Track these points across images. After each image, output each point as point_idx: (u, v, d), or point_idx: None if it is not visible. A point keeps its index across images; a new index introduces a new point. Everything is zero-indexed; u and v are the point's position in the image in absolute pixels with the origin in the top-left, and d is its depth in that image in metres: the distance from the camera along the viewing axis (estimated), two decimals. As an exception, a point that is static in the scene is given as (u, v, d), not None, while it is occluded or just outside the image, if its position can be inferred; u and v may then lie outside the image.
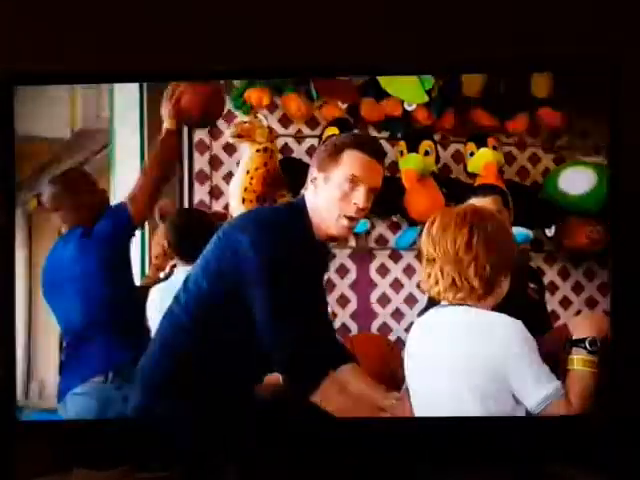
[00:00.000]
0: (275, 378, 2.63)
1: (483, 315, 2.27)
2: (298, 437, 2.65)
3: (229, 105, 3.40)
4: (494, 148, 3.50)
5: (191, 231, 3.01)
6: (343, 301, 3.52)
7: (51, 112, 3.34)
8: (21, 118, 3.26)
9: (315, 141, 3.47)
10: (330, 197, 2.47)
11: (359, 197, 2.46)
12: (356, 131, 3.40)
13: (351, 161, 2.47)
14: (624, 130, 2.56)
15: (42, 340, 3.43)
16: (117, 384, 2.93)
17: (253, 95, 3.36)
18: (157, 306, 2.92)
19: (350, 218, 2.48)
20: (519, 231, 3.26)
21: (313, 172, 2.52)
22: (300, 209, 2.51)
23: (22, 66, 2.76)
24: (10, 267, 2.83)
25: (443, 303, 2.32)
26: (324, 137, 3.39)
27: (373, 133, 3.55)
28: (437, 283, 2.30)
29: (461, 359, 2.25)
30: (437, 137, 3.55)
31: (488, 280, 2.27)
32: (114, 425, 2.84)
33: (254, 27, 2.79)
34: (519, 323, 2.23)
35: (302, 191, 2.58)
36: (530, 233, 3.48)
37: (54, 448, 2.72)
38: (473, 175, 3.51)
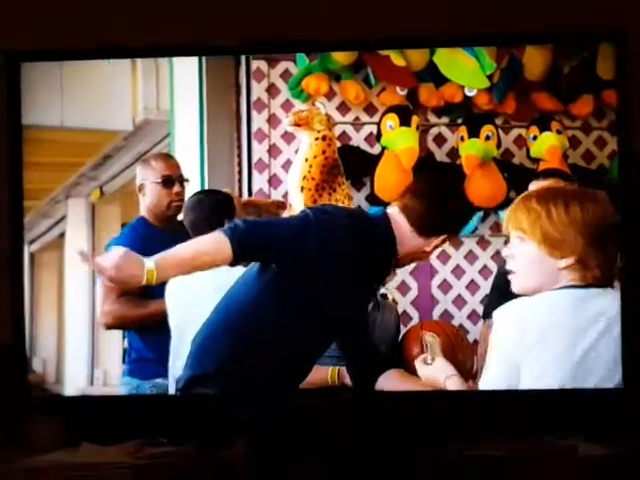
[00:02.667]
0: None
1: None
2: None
3: (287, 94, 3.40)
4: (558, 132, 3.43)
5: (205, 213, 2.96)
6: (404, 288, 3.49)
7: (113, 104, 3.38)
8: (82, 110, 3.31)
9: (374, 128, 3.44)
10: None
11: None
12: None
13: None
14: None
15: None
16: None
17: (311, 83, 3.35)
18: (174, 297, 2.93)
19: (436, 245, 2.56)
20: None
21: None
22: (386, 225, 2.53)
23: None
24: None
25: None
26: (382, 124, 3.37)
27: (432, 119, 3.51)
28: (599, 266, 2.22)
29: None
30: (498, 122, 3.49)
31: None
32: (123, 401, 2.87)
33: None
34: None
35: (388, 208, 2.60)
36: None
37: (62, 423, 2.75)
38: (536, 160, 3.44)
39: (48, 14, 2.87)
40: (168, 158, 3.20)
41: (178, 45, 2.78)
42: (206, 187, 3.33)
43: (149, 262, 2.24)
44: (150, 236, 3.06)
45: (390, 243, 2.50)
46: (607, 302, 2.19)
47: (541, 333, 2.15)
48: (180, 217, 3.06)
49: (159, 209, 3.10)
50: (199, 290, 2.71)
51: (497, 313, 2.21)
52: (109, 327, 3.09)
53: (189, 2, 2.84)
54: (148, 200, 3.11)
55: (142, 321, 2.99)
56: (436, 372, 2.48)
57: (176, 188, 3.09)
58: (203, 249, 2.33)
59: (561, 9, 2.72)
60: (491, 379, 2.20)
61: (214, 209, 2.93)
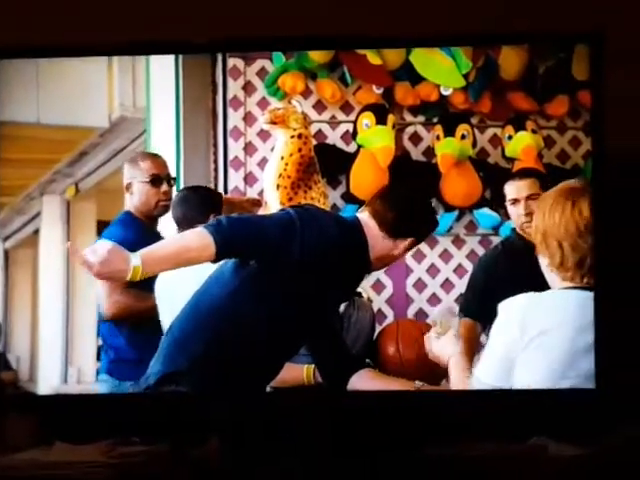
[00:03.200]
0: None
1: None
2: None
3: (263, 92, 3.41)
4: (533, 131, 3.45)
5: (193, 210, 2.95)
6: (379, 287, 3.50)
7: (89, 101, 3.37)
8: (58, 107, 3.30)
9: (350, 126, 3.45)
10: None
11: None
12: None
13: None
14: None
15: (79, 327, 3.46)
16: None
17: (287, 81, 3.35)
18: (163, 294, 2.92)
19: (406, 249, 2.57)
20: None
21: None
22: (356, 227, 2.54)
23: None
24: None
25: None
26: (358, 122, 3.38)
27: (408, 117, 3.52)
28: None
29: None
30: (474, 121, 3.50)
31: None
32: (96, 400, 2.86)
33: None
34: None
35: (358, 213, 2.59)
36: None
37: (36, 422, 2.74)
38: (511, 159, 3.46)
39: (25, 11, 2.86)
40: (156, 157, 3.18)
41: (154, 43, 2.77)
42: (182, 184, 3.32)
43: (135, 258, 2.24)
44: (139, 229, 3.05)
45: (363, 247, 2.52)
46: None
47: (541, 332, 2.15)
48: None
49: (146, 208, 3.09)
50: (186, 286, 2.71)
51: (501, 307, 2.21)
52: (114, 318, 3.06)
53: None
54: (136, 199, 3.10)
55: (147, 313, 2.98)
56: (443, 348, 2.49)
57: (164, 187, 3.08)
58: (187, 245, 2.32)
59: (537, 10, 2.73)
60: (485, 371, 2.21)
61: (201, 205, 2.93)
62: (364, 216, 2.55)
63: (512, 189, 3.02)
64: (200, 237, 2.31)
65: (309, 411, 2.64)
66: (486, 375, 2.20)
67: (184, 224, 2.90)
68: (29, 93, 3.19)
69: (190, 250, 2.32)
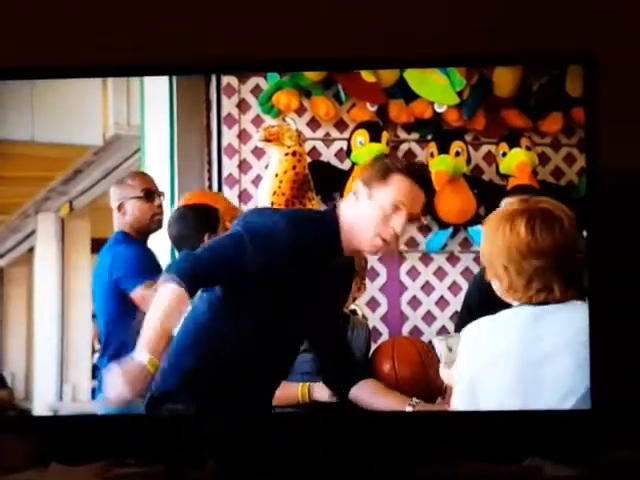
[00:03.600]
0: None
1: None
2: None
3: (257, 110, 3.41)
4: (527, 148, 3.45)
5: (189, 227, 2.96)
6: (373, 304, 3.50)
7: (83, 120, 3.37)
8: (53, 125, 3.30)
9: (344, 144, 3.46)
10: (371, 215, 2.44)
11: (398, 223, 2.43)
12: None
13: (399, 186, 2.44)
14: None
15: (74, 345, 3.46)
16: None
17: (281, 99, 3.36)
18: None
19: (384, 240, 2.45)
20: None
21: (358, 185, 2.49)
22: (331, 219, 2.50)
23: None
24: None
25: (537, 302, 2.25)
26: (353, 140, 3.39)
27: (402, 135, 3.53)
28: (548, 284, 2.23)
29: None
30: (468, 138, 3.51)
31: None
32: (92, 420, 2.86)
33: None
34: None
35: (338, 201, 2.57)
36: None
37: (31, 443, 2.73)
38: (506, 176, 3.47)
39: (18, 33, 2.87)
40: (143, 174, 3.22)
41: (147, 65, 2.78)
42: (176, 202, 3.32)
43: (143, 357, 2.27)
44: (137, 247, 3.09)
45: (333, 235, 2.49)
46: (559, 321, 2.22)
47: (495, 353, 2.15)
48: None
49: (142, 223, 3.11)
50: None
51: (462, 333, 2.23)
52: None
53: (157, 20, 2.84)
54: (129, 217, 3.11)
55: None
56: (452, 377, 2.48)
57: (157, 201, 3.11)
58: (169, 311, 2.32)
59: (530, 29, 2.75)
60: (454, 398, 2.21)
61: (197, 224, 2.94)
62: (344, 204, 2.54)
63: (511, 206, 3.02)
64: (173, 294, 2.30)
65: (305, 430, 2.64)
66: (458, 403, 2.21)
67: (180, 243, 2.93)
68: (24, 111, 3.19)
69: (173, 312, 2.33)
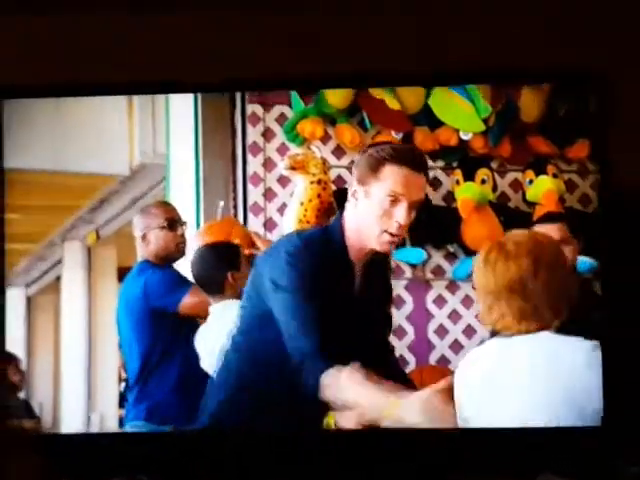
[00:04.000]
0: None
1: (564, 342, 2.23)
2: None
3: (282, 138, 3.42)
4: (554, 176, 3.43)
5: (211, 267, 3.01)
6: (400, 333, 3.48)
7: (109, 149, 3.39)
8: (79, 154, 3.32)
9: (369, 172, 3.45)
10: (371, 213, 2.46)
11: (400, 214, 2.44)
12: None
13: (391, 176, 2.44)
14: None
15: (102, 373, 3.46)
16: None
17: (306, 127, 3.36)
18: (203, 348, 2.96)
19: (392, 234, 2.46)
20: (582, 260, 3.19)
21: (353, 185, 2.50)
22: (336, 229, 2.51)
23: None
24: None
25: (506, 333, 2.27)
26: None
27: (428, 162, 3.51)
28: (504, 316, 2.26)
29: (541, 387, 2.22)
30: (494, 165, 3.49)
31: (557, 308, 2.24)
32: (104, 438, 2.86)
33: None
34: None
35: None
36: (594, 262, 3.40)
37: (44, 462, 2.74)
38: (532, 204, 3.44)
39: (42, 52, 2.92)
40: (166, 204, 3.26)
41: (171, 82, 2.82)
42: (202, 230, 3.33)
43: None
44: (165, 270, 3.14)
45: (338, 243, 2.50)
46: (528, 348, 2.23)
47: (479, 382, 2.25)
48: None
49: (166, 252, 3.16)
50: (215, 338, 2.77)
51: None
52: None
53: (181, 40, 2.88)
54: (153, 246, 3.15)
55: None
56: None
57: (180, 230, 3.14)
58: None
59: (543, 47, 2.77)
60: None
61: (219, 263, 2.96)
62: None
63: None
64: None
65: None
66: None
67: (204, 282, 3.02)
68: (50, 141, 3.22)
69: None
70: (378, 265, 2.60)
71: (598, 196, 2.60)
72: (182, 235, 3.16)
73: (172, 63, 2.89)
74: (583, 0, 2.83)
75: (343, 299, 2.48)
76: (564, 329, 2.26)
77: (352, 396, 2.34)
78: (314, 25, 2.90)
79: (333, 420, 2.69)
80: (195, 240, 3.09)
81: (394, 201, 2.44)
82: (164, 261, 3.15)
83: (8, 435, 2.86)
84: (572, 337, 2.24)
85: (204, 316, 3.03)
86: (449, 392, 2.28)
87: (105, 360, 3.52)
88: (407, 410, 2.27)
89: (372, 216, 2.45)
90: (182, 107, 3.31)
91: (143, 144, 3.42)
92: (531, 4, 2.86)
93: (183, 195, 3.34)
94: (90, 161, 3.36)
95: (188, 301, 3.03)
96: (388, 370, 2.54)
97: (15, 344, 3.33)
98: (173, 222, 3.15)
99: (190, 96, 3.31)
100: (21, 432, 2.98)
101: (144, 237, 3.15)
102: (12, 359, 3.21)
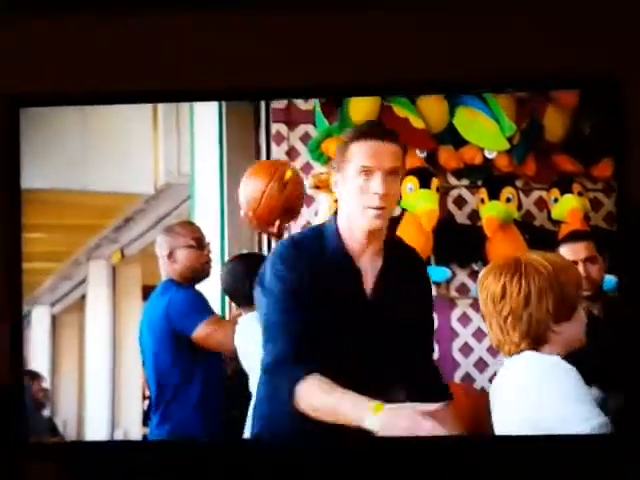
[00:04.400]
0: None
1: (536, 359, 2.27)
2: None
3: (307, 157, 3.42)
4: (579, 194, 3.41)
5: (241, 280, 3.02)
6: (425, 351, 3.47)
7: (134, 168, 3.40)
8: (105, 174, 3.34)
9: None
10: (350, 194, 2.47)
11: (376, 185, 2.44)
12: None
13: (358, 153, 2.46)
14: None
15: (126, 390, 3.47)
16: None
17: (330, 146, 3.36)
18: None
19: (374, 207, 2.46)
20: (608, 278, 3.17)
21: (333, 177, 2.54)
22: (331, 224, 2.53)
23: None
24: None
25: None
26: (402, 186, 3.37)
27: (452, 181, 3.51)
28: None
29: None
30: (519, 184, 3.48)
31: (528, 332, 2.26)
32: (111, 446, 2.87)
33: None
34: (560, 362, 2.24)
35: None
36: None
37: (57, 470, 2.75)
38: (557, 222, 3.43)
39: (71, 61, 2.95)
40: (191, 223, 3.28)
41: (196, 90, 2.83)
42: (226, 250, 3.34)
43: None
44: (189, 291, 3.15)
45: (333, 236, 2.51)
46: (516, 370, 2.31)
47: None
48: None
49: (192, 271, 3.17)
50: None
51: None
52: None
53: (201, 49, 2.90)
54: (179, 265, 3.16)
55: None
56: None
57: (206, 250, 3.17)
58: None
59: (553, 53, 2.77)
60: None
61: (247, 276, 2.96)
62: None
63: (568, 251, 3.00)
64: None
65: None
66: None
67: (232, 295, 3.08)
68: (76, 160, 3.24)
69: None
70: (403, 263, 2.59)
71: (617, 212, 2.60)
72: (207, 255, 3.17)
73: (195, 71, 2.91)
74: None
75: (346, 301, 2.48)
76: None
77: (331, 402, 2.33)
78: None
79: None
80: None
81: (367, 174, 2.45)
82: (189, 281, 3.16)
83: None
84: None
85: (217, 349, 3.05)
86: (438, 412, 2.27)
87: (129, 378, 3.53)
88: (386, 417, 2.25)
89: (352, 196, 2.47)
90: (206, 127, 3.32)
91: (168, 163, 3.42)
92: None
93: (207, 215, 3.34)
94: (115, 180, 3.37)
95: (203, 329, 3.03)
96: (421, 383, 2.54)
97: (40, 362, 3.35)
98: (200, 242, 3.17)
99: (215, 115, 3.31)
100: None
101: (170, 255, 3.15)
102: (36, 377, 3.23)
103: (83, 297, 3.58)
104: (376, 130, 2.52)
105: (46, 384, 3.25)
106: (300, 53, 2.94)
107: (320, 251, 2.48)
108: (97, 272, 3.53)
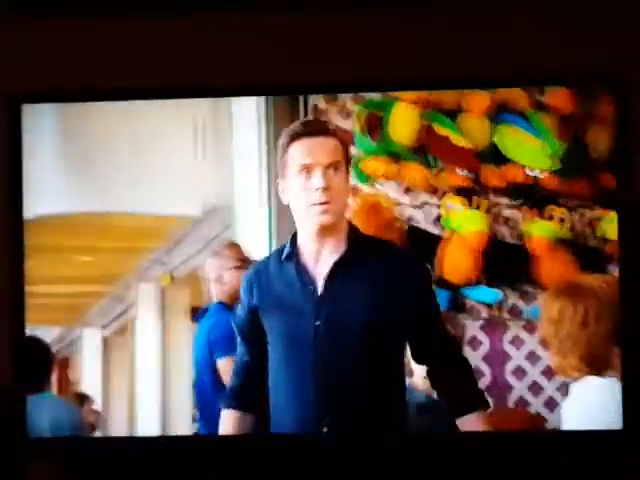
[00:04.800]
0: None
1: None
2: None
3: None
4: (626, 211, 3.33)
5: None
6: (477, 374, 3.40)
7: (181, 191, 3.45)
8: (152, 197, 3.39)
9: (437, 210, 3.41)
10: (296, 195, 2.50)
11: (316, 180, 2.45)
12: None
13: (294, 154, 2.49)
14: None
15: (175, 412, 3.49)
16: None
17: (371, 165, 3.35)
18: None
19: (319, 203, 2.47)
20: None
21: (279, 185, 2.57)
22: (291, 238, 2.58)
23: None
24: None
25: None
26: (443, 205, 3.35)
27: (495, 199, 3.46)
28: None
29: None
30: (565, 202, 3.41)
31: (587, 355, 2.20)
32: (116, 443, 2.87)
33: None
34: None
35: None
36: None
37: (62, 467, 2.77)
38: (606, 240, 3.34)
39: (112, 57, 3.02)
40: (237, 245, 3.29)
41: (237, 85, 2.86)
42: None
43: None
44: (228, 322, 3.13)
45: (291, 248, 2.61)
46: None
47: None
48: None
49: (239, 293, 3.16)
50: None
51: None
52: None
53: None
54: (227, 287, 3.19)
55: None
56: None
57: None
58: None
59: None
60: None
61: None
62: None
63: None
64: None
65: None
66: None
67: None
68: (125, 184, 3.30)
69: None
70: (366, 259, 2.56)
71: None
72: None
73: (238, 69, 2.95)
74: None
75: (296, 313, 2.51)
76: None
77: None
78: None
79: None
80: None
81: (307, 172, 2.47)
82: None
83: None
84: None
85: None
86: None
87: (179, 400, 3.55)
88: None
89: (297, 198, 2.50)
90: (249, 146, 3.34)
91: (213, 186, 3.45)
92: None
93: (252, 236, 3.35)
94: (163, 204, 3.41)
95: (225, 363, 3.05)
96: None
97: (91, 384, 3.41)
98: (246, 262, 3.17)
99: (256, 136, 3.33)
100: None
101: (219, 278, 3.19)
102: (86, 399, 3.28)
103: (132, 319, 3.63)
104: (309, 128, 2.52)
105: (96, 406, 3.30)
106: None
107: (278, 264, 2.54)
108: (146, 294, 3.57)
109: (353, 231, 2.59)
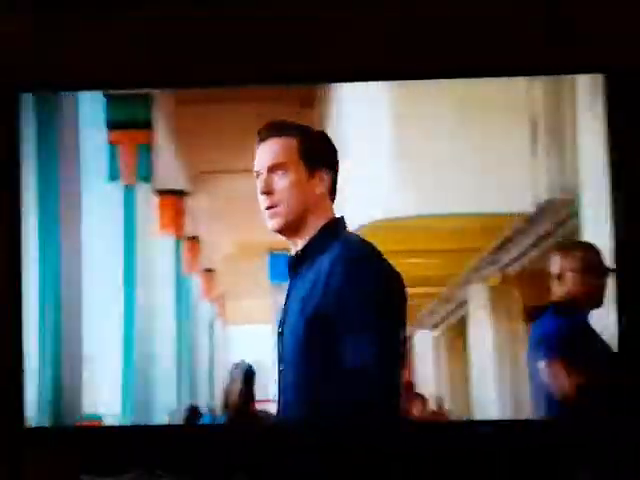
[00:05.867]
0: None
1: None
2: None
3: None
4: None
5: None
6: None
7: (511, 187, 3.34)
8: (477, 196, 3.30)
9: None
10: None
11: (259, 186, 2.48)
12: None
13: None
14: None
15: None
16: None
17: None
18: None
19: (267, 208, 2.46)
20: None
21: None
22: None
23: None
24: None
25: None
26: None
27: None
28: None
29: None
30: None
31: None
32: (121, 432, 2.89)
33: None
34: None
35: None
36: None
37: (61, 455, 2.77)
38: None
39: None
40: (586, 246, 3.13)
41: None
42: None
43: None
44: (564, 321, 3.06)
45: None
46: None
47: None
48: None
49: (577, 299, 3.07)
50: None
51: None
52: None
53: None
54: (565, 290, 3.08)
55: None
56: None
57: (602, 276, 3.03)
58: None
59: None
60: None
61: None
62: None
63: None
64: None
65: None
66: None
67: None
68: (447, 185, 3.24)
69: None
70: (315, 256, 2.47)
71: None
72: (603, 282, 3.01)
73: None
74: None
75: None
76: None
77: None
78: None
79: None
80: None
81: (257, 178, 2.49)
82: (575, 307, 3.05)
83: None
84: None
85: None
86: None
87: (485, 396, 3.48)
88: None
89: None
90: (593, 135, 3.15)
91: (550, 179, 3.30)
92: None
93: (597, 234, 3.17)
94: (492, 201, 3.32)
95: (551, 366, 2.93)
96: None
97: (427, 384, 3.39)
98: (590, 266, 3.01)
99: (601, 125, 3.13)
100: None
101: (559, 277, 3.06)
102: (420, 398, 3.26)
103: (461, 319, 3.58)
104: (262, 134, 2.51)
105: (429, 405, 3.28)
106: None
107: None
108: (476, 294, 3.51)
109: (329, 229, 2.48)
